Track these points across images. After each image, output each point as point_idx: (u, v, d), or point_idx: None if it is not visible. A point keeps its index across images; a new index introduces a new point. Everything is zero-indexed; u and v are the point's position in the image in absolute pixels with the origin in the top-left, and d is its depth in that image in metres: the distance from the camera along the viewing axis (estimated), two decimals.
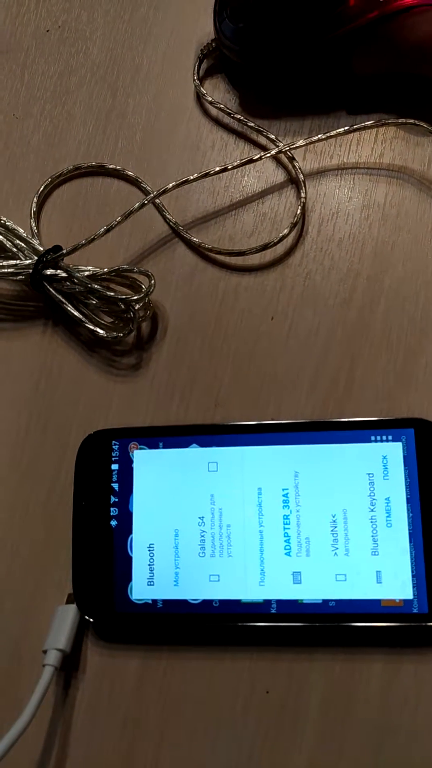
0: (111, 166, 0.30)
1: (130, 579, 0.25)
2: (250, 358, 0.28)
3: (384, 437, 0.24)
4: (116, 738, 0.25)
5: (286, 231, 0.28)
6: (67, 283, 0.28)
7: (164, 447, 0.26)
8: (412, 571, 0.23)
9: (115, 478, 0.26)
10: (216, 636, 0.25)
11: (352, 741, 0.24)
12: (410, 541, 0.24)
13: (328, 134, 0.28)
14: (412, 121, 0.28)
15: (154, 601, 0.25)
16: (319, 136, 0.28)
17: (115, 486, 0.26)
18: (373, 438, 0.24)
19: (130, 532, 0.25)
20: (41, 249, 0.28)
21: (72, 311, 0.28)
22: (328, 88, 0.30)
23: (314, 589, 0.24)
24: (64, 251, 0.27)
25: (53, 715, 0.25)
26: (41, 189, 0.30)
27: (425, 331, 0.27)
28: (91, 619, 0.25)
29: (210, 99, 0.30)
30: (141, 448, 0.26)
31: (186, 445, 0.26)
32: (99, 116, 0.31)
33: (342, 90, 0.30)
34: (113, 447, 0.26)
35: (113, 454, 0.26)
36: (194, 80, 0.30)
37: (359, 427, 0.25)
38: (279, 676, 0.24)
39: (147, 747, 0.25)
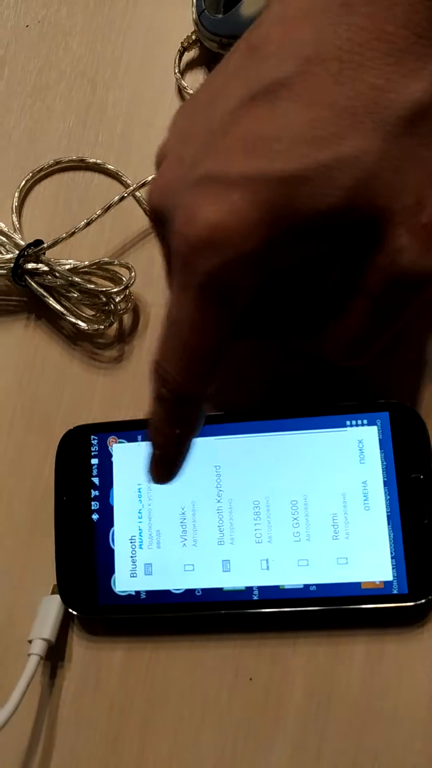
0: (92, 160, 0.32)
1: (112, 571, 0.26)
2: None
3: (359, 422, 0.26)
4: (102, 727, 0.26)
5: None
6: (49, 276, 0.29)
7: (143, 440, 0.27)
8: (391, 553, 0.25)
9: (95, 472, 0.27)
10: (199, 624, 0.26)
11: (335, 725, 0.25)
12: (388, 523, 0.25)
13: None
14: None
15: (138, 593, 0.26)
16: None
17: (96, 480, 0.27)
18: (348, 423, 0.26)
19: (112, 525, 0.27)
20: (23, 243, 0.30)
21: (53, 304, 0.29)
22: None
23: (294, 574, 0.25)
24: (45, 245, 0.29)
25: (39, 705, 0.26)
26: (22, 184, 0.32)
27: None
28: (76, 612, 0.26)
29: (191, 92, 0.31)
30: (120, 442, 0.27)
31: None
32: (79, 110, 0.33)
33: None
34: (92, 442, 0.28)
35: (92, 449, 0.27)
36: (175, 73, 0.32)
37: (335, 412, 0.26)
38: (262, 663, 0.26)
39: (132, 736, 0.26)
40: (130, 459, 0.27)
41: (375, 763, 0.24)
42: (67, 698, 0.26)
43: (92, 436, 0.27)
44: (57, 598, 0.27)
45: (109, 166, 0.32)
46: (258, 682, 0.26)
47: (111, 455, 0.27)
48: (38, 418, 0.30)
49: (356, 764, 0.25)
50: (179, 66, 0.32)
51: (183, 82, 0.32)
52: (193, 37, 0.32)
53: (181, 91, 0.32)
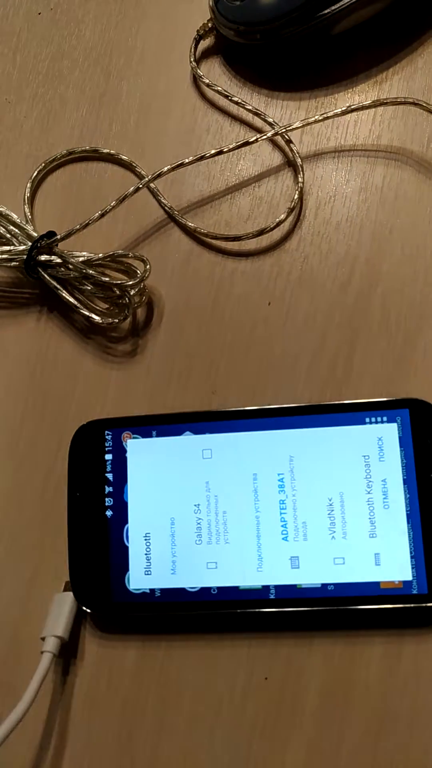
0: (105, 151, 0.32)
1: (127, 569, 0.26)
2: (247, 344, 0.29)
3: (379, 419, 0.26)
4: (115, 725, 0.26)
5: (282, 216, 0.29)
6: (62, 269, 0.29)
7: (158, 435, 0.27)
8: (411, 552, 0.25)
9: (109, 468, 0.27)
10: (215, 623, 0.26)
11: (351, 727, 0.25)
12: (408, 522, 0.25)
13: (325, 115, 0.29)
14: (411, 100, 0.29)
15: (152, 591, 0.26)
16: (316, 117, 0.29)
17: (110, 476, 0.27)
18: (367, 420, 0.26)
19: (126, 521, 0.27)
20: (35, 235, 0.30)
21: (67, 297, 0.29)
22: (324, 68, 0.31)
23: (312, 574, 0.25)
24: (58, 237, 0.29)
25: (52, 703, 0.27)
26: (35, 174, 0.32)
27: (424, 314, 0.28)
28: (89, 610, 0.26)
29: (207, 81, 0.31)
30: (134, 437, 0.27)
31: (179, 433, 0.27)
32: (92, 100, 0.33)
33: (320, 55, 0.31)
34: (106, 437, 0.28)
35: (106, 445, 0.27)
36: (190, 62, 0.32)
37: (354, 409, 0.26)
38: (278, 663, 0.26)
39: (146, 734, 0.26)
40: (144, 454, 0.27)
41: (392, 764, 0.25)
42: (80, 696, 0.27)
43: (106, 432, 0.27)
44: (70, 595, 0.27)
45: (123, 157, 0.32)
46: (273, 681, 0.26)
47: (125, 451, 0.27)
48: (50, 413, 0.30)
49: (374, 764, 0.25)
50: (195, 54, 0.32)
51: (198, 71, 0.32)
52: (210, 24, 0.32)
53: (196, 80, 0.32)
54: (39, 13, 0.34)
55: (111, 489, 0.27)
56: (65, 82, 0.33)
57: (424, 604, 0.24)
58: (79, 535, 0.27)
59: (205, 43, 0.33)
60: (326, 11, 0.29)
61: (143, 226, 0.31)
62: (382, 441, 0.26)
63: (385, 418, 0.26)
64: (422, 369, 0.28)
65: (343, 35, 0.31)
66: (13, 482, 0.29)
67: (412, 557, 0.25)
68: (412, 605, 0.25)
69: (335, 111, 0.29)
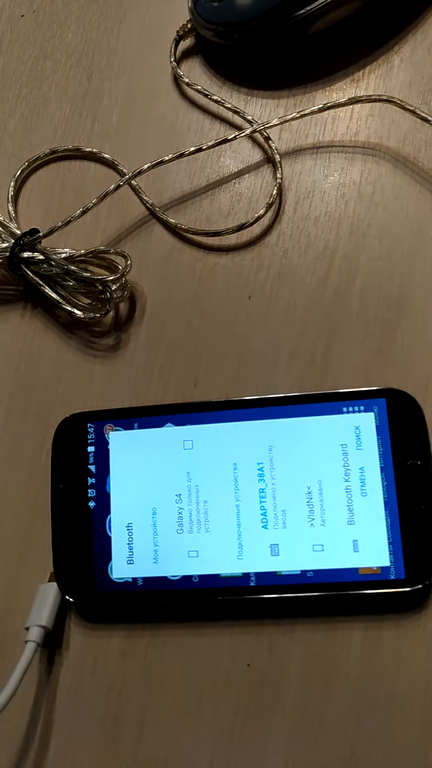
0: (88, 149, 0.33)
1: (109, 558, 0.27)
2: (228, 337, 0.30)
3: (356, 408, 0.27)
4: (100, 713, 0.27)
5: (262, 211, 0.30)
6: (44, 265, 0.30)
7: (139, 427, 0.28)
8: (389, 539, 0.26)
9: (91, 460, 0.28)
10: (196, 611, 0.27)
11: (332, 712, 0.26)
12: (385, 509, 0.26)
13: (301, 112, 0.30)
14: (385, 97, 0.30)
15: (135, 579, 0.27)
16: (293, 114, 0.30)
17: (92, 468, 0.28)
18: (345, 409, 0.27)
19: (109, 512, 0.28)
20: (18, 232, 0.30)
21: (49, 293, 0.30)
22: (302, 66, 0.32)
23: (292, 561, 0.26)
24: (41, 234, 0.30)
25: (37, 692, 0.27)
26: (18, 173, 0.33)
27: (401, 307, 0.29)
28: (73, 599, 0.27)
29: (187, 80, 0.32)
30: (116, 430, 0.28)
31: (161, 425, 0.28)
32: (75, 99, 0.34)
33: (297, 53, 0.32)
34: (89, 429, 0.28)
35: (89, 437, 0.28)
36: (171, 62, 0.33)
37: (332, 399, 0.27)
38: (260, 649, 0.27)
39: (130, 721, 0.27)
40: (126, 446, 0.28)
41: (372, 747, 0.25)
42: (65, 684, 0.27)
43: (89, 424, 0.28)
44: (54, 585, 0.27)
45: (105, 155, 0.33)
46: (255, 668, 0.27)
47: (108, 443, 0.28)
48: (35, 407, 0.30)
49: (354, 749, 0.25)
50: (175, 54, 0.33)
51: (179, 70, 0.33)
52: (189, 25, 0.33)
53: (176, 79, 0.33)
54: (22, 16, 0.35)
55: (94, 480, 0.28)
56: (48, 83, 0.34)
57: (401, 589, 0.25)
58: (62, 525, 0.28)
59: (185, 43, 0.34)
60: (302, 11, 0.30)
61: (125, 222, 0.32)
62: (360, 430, 0.27)
63: (362, 408, 0.27)
64: (399, 359, 0.29)
65: (319, 34, 0.32)
66: None
67: (389, 543, 0.26)
68: (390, 590, 0.25)
69: (312, 108, 0.30)
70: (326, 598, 0.26)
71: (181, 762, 0.26)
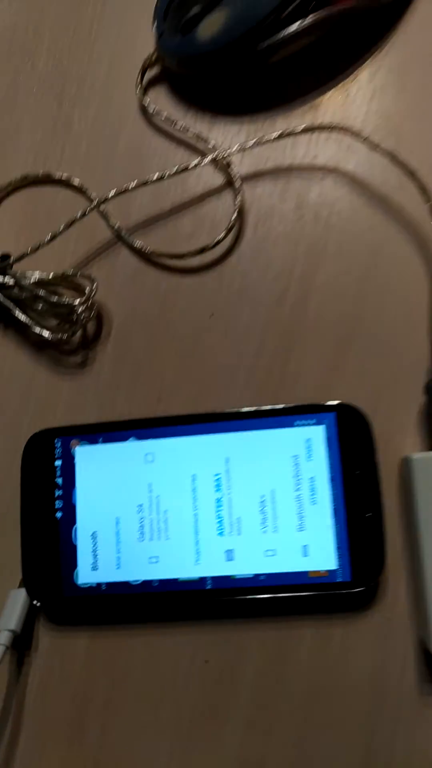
0: (58, 175, 0.35)
1: (75, 565, 0.29)
2: (191, 354, 0.32)
3: (308, 422, 0.29)
4: (67, 710, 0.29)
5: (221, 235, 0.32)
6: (15, 290, 0.32)
7: (104, 441, 0.30)
8: (336, 544, 0.28)
9: (58, 473, 0.30)
10: (157, 613, 0.29)
11: (285, 704, 0.28)
12: (333, 517, 0.28)
13: (260, 140, 0.32)
14: (339, 126, 0.32)
15: (99, 585, 0.29)
16: (251, 142, 0.32)
17: (59, 481, 0.30)
18: (297, 423, 0.29)
19: (74, 522, 0.30)
20: None
21: (20, 316, 0.32)
22: (263, 94, 0.34)
23: (246, 565, 0.28)
24: (11, 260, 0.32)
25: (7, 693, 0.29)
26: None
27: (354, 325, 0.31)
28: (40, 604, 0.29)
29: (153, 108, 0.34)
30: (82, 444, 0.30)
31: (124, 439, 0.30)
32: (46, 127, 0.36)
33: (257, 81, 0.34)
34: (56, 444, 0.30)
35: (56, 451, 0.30)
36: (137, 90, 0.35)
37: (285, 413, 0.29)
38: (217, 647, 0.29)
39: (95, 718, 0.29)
40: (92, 460, 0.30)
41: (322, 734, 0.27)
42: (34, 685, 0.29)
43: (56, 439, 0.30)
44: (23, 591, 0.29)
45: (75, 181, 0.35)
46: (213, 664, 0.29)
47: (74, 457, 0.30)
48: (7, 422, 0.32)
49: (304, 736, 0.27)
50: (142, 83, 0.35)
51: (145, 98, 0.35)
52: (155, 56, 0.35)
53: (143, 107, 0.35)
54: None
55: (60, 492, 0.30)
56: (20, 110, 0.36)
57: (348, 591, 0.27)
58: (31, 535, 0.30)
59: (151, 72, 0.36)
60: (263, 43, 0.32)
61: (93, 245, 0.34)
62: (311, 442, 0.29)
63: (313, 421, 0.29)
64: (351, 375, 0.31)
65: (279, 64, 0.34)
66: None
67: (337, 548, 0.28)
68: (337, 592, 0.27)
69: (270, 137, 0.32)
70: (278, 599, 0.28)
71: (143, 753, 0.28)
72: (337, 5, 0.32)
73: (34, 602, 0.29)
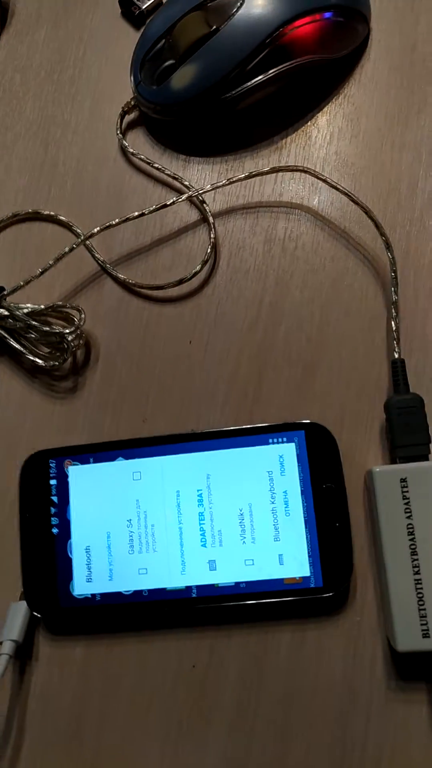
0: (45, 212, 0.37)
1: (71, 578, 0.32)
2: (173, 378, 0.35)
3: (280, 439, 0.31)
4: (66, 715, 0.31)
5: (198, 267, 0.35)
6: (9, 320, 0.34)
7: (94, 462, 0.32)
8: (308, 552, 0.30)
9: (53, 491, 0.33)
10: (147, 621, 0.32)
11: (265, 703, 0.30)
12: (305, 527, 0.30)
13: (230, 180, 0.35)
14: (301, 168, 0.35)
15: (93, 595, 0.31)
16: (222, 181, 0.35)
17: (55, 498, 0.32)
18: (270, 441, 0.31)
19: (69, 537, 0.32)
20: None
21: (14, 344, 0.34)
22: (232, 137, 0.37)
23: (227, 574, 0.30)
24: (5, 292, 0.34)
25: (11, 699, 0.31)
26: None
27: (319, 348, 0.34)
28: (40, 615, 0.31)
29: (131, 150, 0.37)
30: (74, 464, 0.33)
31: (113, 459, 0.32)
32: (33, 168, 0.38)
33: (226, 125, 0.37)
34: (50, 465, 0.33)
35: (51, 471, 0.33)
36: (117, 133, 0.38)
37: (259, 432, 0.32)
38: (202, 652, 0.31)
39: (92, 720, 0.31)
40: (84, 479, 0.32)
41: (300, 731, 0.30)
42: (35, 691, 0.31)
43: (50, 460, 0.33)
44: (24, 603, 0.32)
45: (62, 217, 0.37)
46: (199, 669, 0.31)
47: (67, 476, 0.32)
48: (4, 444, 0.35)
49: (284, 733, 0.30)
50: (121, 127, 0.38)
51: (124, 141, 0.37)
52: (132, 102, 0.38)
53: (123, 149, 0.38)
54: None
55: (56, 510, 0.32)
56: (9, 153, 0.39)
57: (320, 596, 0.30)
58: (30, 550, 0.32)
59: (130, 117, 0.38)
60: (230, 93, 0.35)
61: (80, 278, 0.37)
62: (283, 458, 0.31)
63: (284, 439, 0.31)
64: (318, 395, 0.33)
65: (246, 110, 0.37)
66: None
67: (309, 556, 0.30)
68: (310, 597, 0.30)
69: (239, 176, 0.35)
70: (257, 605, 0.30)
71: (136, 754, 0.30)
72: (297, 59, 0.35)
73: (35, 613, 0.31)
